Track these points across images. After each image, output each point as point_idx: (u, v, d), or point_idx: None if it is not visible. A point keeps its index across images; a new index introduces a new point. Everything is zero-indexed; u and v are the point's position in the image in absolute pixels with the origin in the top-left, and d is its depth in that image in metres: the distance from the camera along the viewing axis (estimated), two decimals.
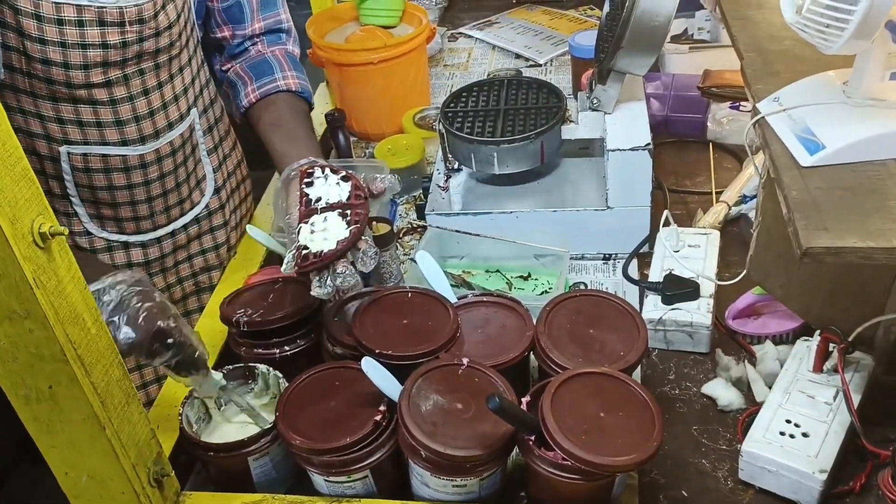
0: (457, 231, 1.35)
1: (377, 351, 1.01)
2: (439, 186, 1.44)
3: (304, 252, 1.03)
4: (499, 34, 2.14)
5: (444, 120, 1.40)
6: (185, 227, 1.40)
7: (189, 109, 1.33)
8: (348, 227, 1.05)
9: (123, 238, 1.33)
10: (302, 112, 1.40)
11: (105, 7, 1.14)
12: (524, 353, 1.04)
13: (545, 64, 1.99)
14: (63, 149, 1.22)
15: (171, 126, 1.30)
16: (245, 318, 1.11)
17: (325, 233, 1.05)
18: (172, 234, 1.39)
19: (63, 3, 1.12)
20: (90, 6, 1.13)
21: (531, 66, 1.99)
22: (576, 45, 1.74)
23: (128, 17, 1.16)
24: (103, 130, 1.23)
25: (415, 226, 1.50)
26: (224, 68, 1.44)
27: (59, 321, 0.77)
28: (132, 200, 1.31)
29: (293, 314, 1.12)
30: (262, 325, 1.11)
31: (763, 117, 0.99)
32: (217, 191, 1.45)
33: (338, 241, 1.03)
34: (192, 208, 1.41)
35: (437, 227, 1.36)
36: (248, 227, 1.29)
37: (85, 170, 1.24)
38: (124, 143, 1.25)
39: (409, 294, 1.13)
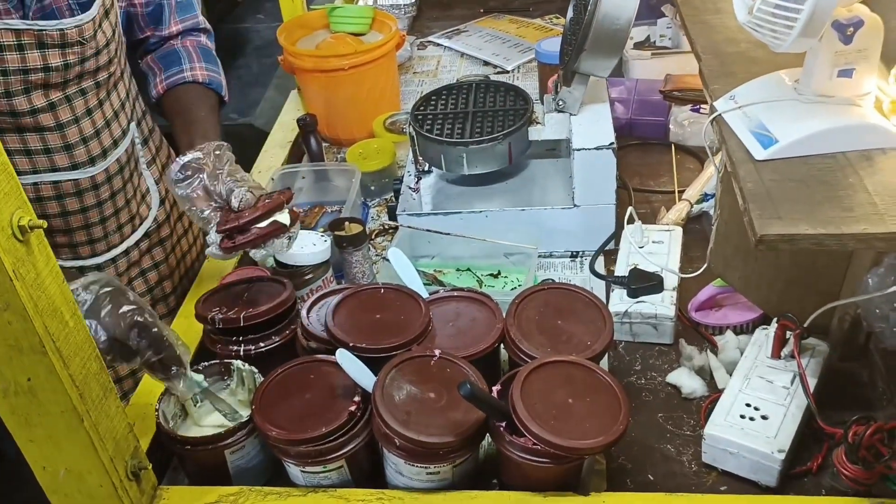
0: (428, 231, 1.38)
1: (351, 344, 1.03)
2: (410, 188, 1.47)
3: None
4: (467, 42, 2.18)
5: (415, 122, 1.44)
6: (136, 243, 1.41)
7: (129, 123, 1.34)
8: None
9: (79, 263, 1.33)
10: (207, 102, 1.40)
11: (45, 30, 1.14)
12: (494, 344, 1.07)
13: (513, 70, 2.03)
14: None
15: (116, 143, 1.30)
16: (220, 316, 1.13)
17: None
18: (126, 252, 1.39)
19: (1, 29, 1.11)
20: (29, 29, 1.12)
21: (499, 72, 2.03)
22: (542, 51, 1.78)
23: (69, 38, 1.16)
24: (52, 157, 1.22)
25: (387, 227, 1.53)
26: (140, 60, 1.45)
27: (38, 313, 0.79)
28: (86, 224, 1.31)
29: (267, 311, 1.14)
30: (236, 323, 1.12)
31: (720, 115, 1.03)
32: (162, 202, 1.45)
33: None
34: (141, 223, 1.41)
35: (409, 227, 1.39)
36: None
37: (37, 199, 1.23)
38: (74, 166, 1.25)
39: (382, 290, 1.15)
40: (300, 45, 1.80)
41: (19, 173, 1.17)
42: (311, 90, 1.78)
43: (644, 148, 1.69)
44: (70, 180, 1.25)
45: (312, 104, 1.80)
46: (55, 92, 1.19)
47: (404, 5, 2.32)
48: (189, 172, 1.18)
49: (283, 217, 1.18)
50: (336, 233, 1.35)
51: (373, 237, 1.52)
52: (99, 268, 1.35)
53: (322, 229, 1.45)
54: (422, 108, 1.48)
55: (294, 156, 1.77)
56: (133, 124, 1.35)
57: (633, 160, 1.65)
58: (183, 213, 1.52)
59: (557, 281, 1.37)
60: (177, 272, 1.51)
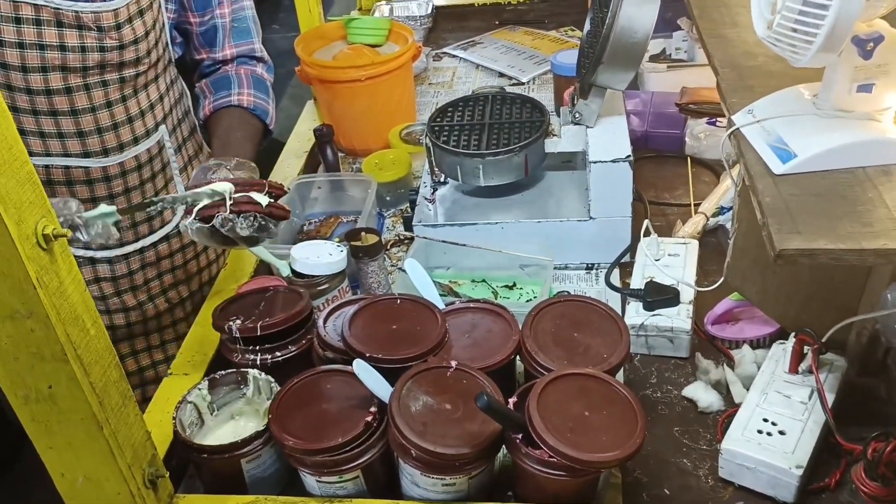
0: (443, 241, 1.38)
1: (368, 354, 1.04)
2: (426, 199, 1.48)
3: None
4: (482, 54, 2.19)
5: (431, 134, 1.44)
6: (154, 244, 1.42)
7: (157, 126, 1.35)
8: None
9: (89, 254, 1.34)
10: (247, 125, 1.43)
11: (61, 8, 1.17)
12: (510, 356, 1.07)
13: (528, 82, 2.03)
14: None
15: (136, 140, 1.32)
16: (237, 325, 1.14)
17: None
18: (141, 251, 1.40)
19: (21, 2, 1.14)
20: (46, 5, 1.16)
21: (514, 84, 2.04)
22: (557, 63, 1.78)
23: (84, 21, 1.19)
24: (65, 141, 1.24)
25: (402, 237, 1.53)
26: (195, 85, 1.49)
27: (61, 321, 0.80)
28: None
29: (284, 321, 1.14)
30: (253, 332, 1.13)
31: (738, 129, 1.03)
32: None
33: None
34: (162, 226, 1.42)
35: (424, 238, 1.40)
36: None
37: (47, 182, 1.25)
38: (87, 154, 1.27)
39: (399, 301, 1.16)
40: (317, 56, 1.81)
41: (32, 154, 1.20)
42: (328, 101, 1.79)
43: (660, 160, 1.69)
44: (80, 167, 1.27)
45: (329, 114, 1.82)
46: (74, 77, 1.21)
47: (420, 17, 2.33)
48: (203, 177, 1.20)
49: (260, 198, 1.18)
50: (352, 243, 1.35)
51: (388, 248, 1.53)
52: (110, 262, 1.37)
53: (338, 239, 1.46)
54: (438, 119, 1.48)
55: (310, 166, 1.78)
56: (164, 128, 1.37)
57: (648, 173, 1.65)
58: None
59: (573, 293, 1.37)
60: (196, 279, 1.52)
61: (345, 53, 1.78)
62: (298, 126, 1.91)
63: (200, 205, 1.14)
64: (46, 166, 1.25)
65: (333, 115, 1.79)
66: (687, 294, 1.25)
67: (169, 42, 1.36)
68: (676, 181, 1.62)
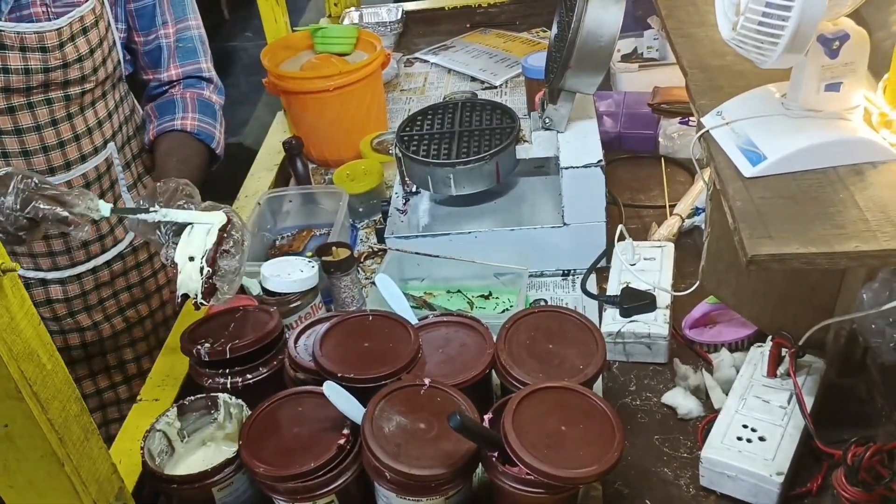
0: (416, 253, 1.36)
1: (339, 374, 1.01)
2: (398, 210, 1.46)
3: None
4: (454, 58, 2.17)
5: (401, 144, 1.42)
6: (107, 263, 1.39)
7: (105, 143, 1.33)
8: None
9: (41, 275, 1.31)
10: (188, 149, 1.38)
11: (3, 31, 1.15)
12: (485, 370, 1.05)
13: (500, 86, 2.02)
14: None
15: (83, 158, 1.29)
16: (206, 349, 1.11)
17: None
18: (94, 270, 1.37)
19: None
20: None
21: (487, 88, 2.02)
22: (528, 66, 1.76)
23: (28, 42, 1.17)
24: (10, 161, 1.22)
25: (375, 249, 1.51)
26: (144, 107, 1.45)
27: (13, 358, 0.77)
28: (46, 235, 1.28)
29: (254, 342, 1.12)
30: (222, 355, 1.10)
31: (707, 131, 1.02)
32: None
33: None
34: (114, 244, 1.39)
35: (397, 250, 1.37)
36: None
37: None
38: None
39: (371, 317, 1.13)
40: (284, 66, 1.78)
41: None
42: (297, 112, 1.77)
43: (634, 161, 1.68)
44: None
45: (298, 126, 1.79)
46: (17, 96, 1.19)
47: (390, 23, 2.31)
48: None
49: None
50: (324, 258, 1.33)
51: (362, 260, 1.51)
52: (62, 282, 1.33)
53: (309, 254, 1.44)
54: (407, 128, 1.46)
55: (281, 179, 1.76)
56: (112, 145, 1.34)
57: (623, 174, 1.63)
58: None
59: (549, 301, 1.36)
60: (155, 297, 1.49)
61: (312, 63, 1.75)
62: (268, 138, 1.88)
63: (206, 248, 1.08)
64: None
65: (303, 126, 1.76)
66: (664, 299, 1.23)
67: (121, 60, 1.33)
68: (651, 182, 1.61)
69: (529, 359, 1.04)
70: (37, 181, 1.01)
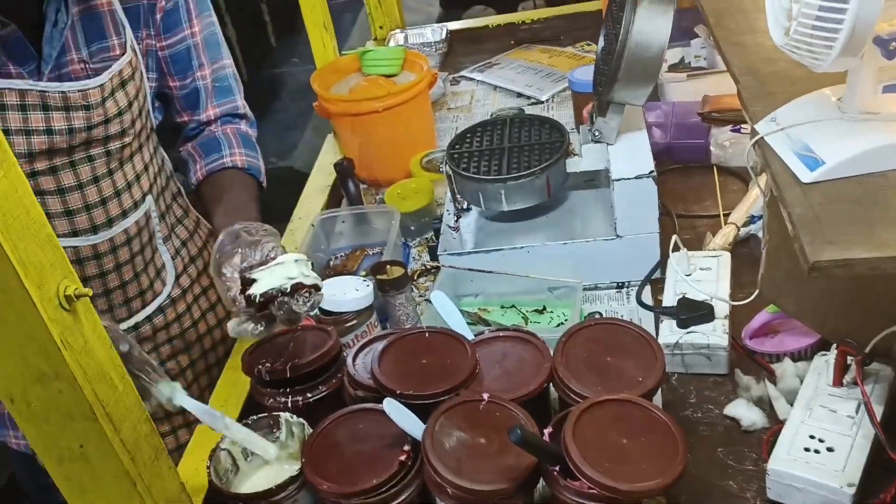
0: (470, 270, 1.37)
1: (398, 391, 1.02)
2: (450, 227, 1.47)
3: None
4: (500, 75, 2.18)
5: (451, 161, 1.43)
6: (148, 318, 1.38)
7: (144, 196, 1.32)
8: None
9: None
10: (246, 186, 1.40)
11: (47, 91, 1.15)
12: (543, 384, 1.05)
13: (547, 101, 2.02)
14: None
15: (125, 214, 1.28)
16: (266, 368, 1.13)
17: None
18: (136, 327, 1.36)
19: (4, 89, 1.12)
20: (31, 90, 1.14)
21: (533, 103, 2.03)
22: (575, 80, 1.77)
23: (72, 101, 1.17)
24: (52, 222, 1.17)
25: (428, 267, 1.52)
26: (180, 149, 1.46)
27: (88, 380, 0.80)
28: (93, 294, 1.28)
29: (314, 361, 1.13)
30: (283, 374, 1.12)
31: (762, 138, 1.01)
32: (177, 278, 1.43)
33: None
34: (154, 299, 1.38)
35: (451, 268, 1.38)
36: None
37: None
38: (75, 233, 1.23)
39: (427, 334, 1.14)
40: (334, 89, 1.82)
41: None
42: (347, 134, 1.80)
43: (685, 172, 1.66)
44: (70, 247, 1.22)
45: (348, 147, 1.82)
46: (60, 157, 1.19)
47: (435, 42, 2.34)
48: (230, 247, 1.13)
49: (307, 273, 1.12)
50: (378, 277, 1.35)
51: (415, 278, 1.52)
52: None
53: (364, 273, 1.46)
54: (457, 146, 1.47)
55: (334, 199, 1.79)
56: (150, 197, 1.34)
57: (674, 185, 1.62)
58: (205, 292, 1.50)
59: (604, 314, 1.35)
60: (196, 347, 1.48)
61: (361, 86, 1.78)
62: (320, 160, 1.91)
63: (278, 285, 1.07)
64: None
65: (353, 147, 1.79)
66: (722, 309, 1.22)
67: (150, 110, 1.34)
68: (704, 192, 1.59)
69: (587, 372, 1.04)
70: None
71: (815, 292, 1.12)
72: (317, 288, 1.10)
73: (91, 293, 0.79)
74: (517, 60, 2.25)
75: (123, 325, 1.35)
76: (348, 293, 1.30)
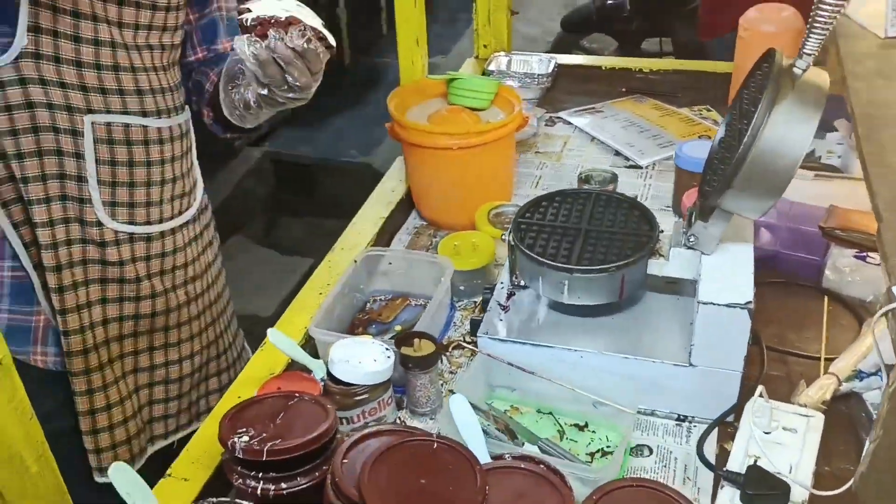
0: (509, 364, 1.17)
1: None
2: (499, 304, 1.27)
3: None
4: (601, 125, 1.96)
5: (516, 232, 1.23)
6: (184, 225, 1.33)
7: (184, 105, 1.31)
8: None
9: (131, 229, 1.23)
10: None
11: None
12: None
13: (646, 167, 1.79)
14: (87, 118, 1.15)
15: (177, 110, 1.27)
16: (242, 444, 0.96)
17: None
18: (172, 231, 1.30)
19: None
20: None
21: (630, 166, 1.80)
22: (683, 155, 1.55)
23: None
24: (125, 98, 1.18)
25: (466, 343, 1.33)
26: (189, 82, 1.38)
27: None
28: (148, 181, 1.23)
29: (298, 447, 0.96)
30: (258, 455, 0.95)
31: None
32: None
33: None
34: (188, 208, 1.34)
35: (488, 355, 1.19)
36: (270, 332, 1.16)
37: (108, 141, 1.18)
38: (144, 114, 1.21)
39: (436, 444, 0.95)
40: (412, 112, 1.64)
41: (93, 111, 1.15)
42: (415, 163, 1.62)
43: (789, 290, 1.42)
44: (139, 126, 1.21)
45: (415, 178, 1.64)
46: (153, 35, 1.20)
47: (539, 75, 2.13)
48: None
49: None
50: (403, 349, 1.17)
51: (450, 350, 1.33)
52: (148, 240, 1.26)
53: (397, 330, 1.29)
54: (528, 214, 1.27)
55: (384, 234, 1.61)
56: (188, 108, 1.32)
57: (772, 303, 1.37)
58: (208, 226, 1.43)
59: (655, 450, 1.13)
60: (205, 278, 1.41)
61: (441, 115, 1.60)
62: (381, 186, 1.74)
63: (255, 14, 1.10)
64: (108, 123, 1.17)
65: (419, 179, 1.61)
66: (799, 492, 0.98)
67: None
68: (807, 320, 1.34)
69: None
70: None
71: None
72: (317, 32, 1.12)
73: (6, 361, 0.63)
74: (624, 111, 2.02)
75: (165, 226, 1.29)
76: (364, 362, 1.13)
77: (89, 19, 1.11)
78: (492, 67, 2.18)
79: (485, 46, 2.24)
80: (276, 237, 3.57)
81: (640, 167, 1.79)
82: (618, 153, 1.85)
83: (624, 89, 2.13)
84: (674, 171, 1.61)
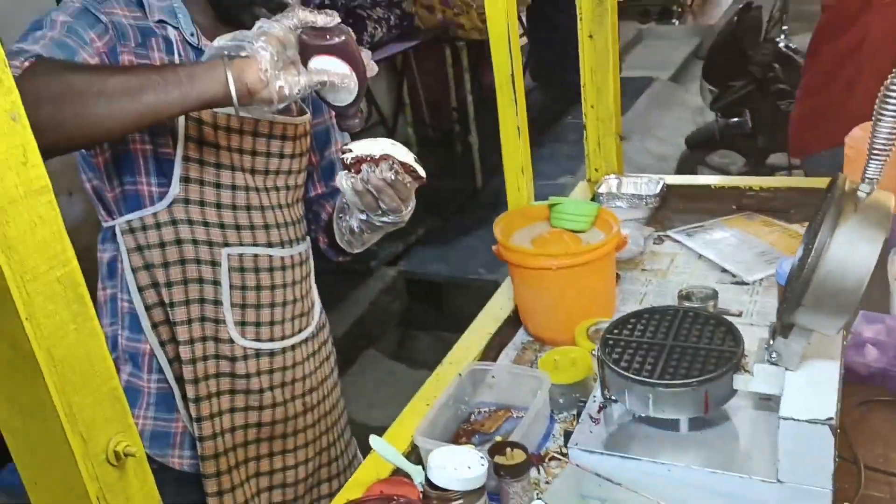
0: (597, 475, 1.22)
1: None
2: (591, 417, 1.33)
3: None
4: (709, 243, 2.00)
5: (604, 347, 1.30)
6: (303, 342, 1.47)
7: (306, 235, 1.49)
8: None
9: (257, 346, 1.39)
10: None
11: (275, 121, 1.35)
12: None
13: (753, 283, 1.81)
14: (224, 250, 1.34)
15: (299, 240, 1.45)
16: None
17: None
18: (293, 347, 1.44)
19: (246, 118, 1.31)
20: (248, 118, 1.32)
21: (737, 282, 1.83)
22: (783, 272, 1.57)
23: (275, 131, 1.35)
24: (255, 232, 1.36)
25: (562, 452, 1.38)
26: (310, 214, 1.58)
27: None
28: (272, 302, 1.39)
29: None
30: None
31: None
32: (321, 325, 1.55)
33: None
34: (307, 326, 1.48)
35: (578, 466, 1.24)
36: (373, 439, 1.26)
37: (240, 269, 1.36)
38: (270, 245, 1.38)
39: None
40: (517, 235, 1.76)
41: (229, 244, 1.34)
42: (519, 283, 1.73)
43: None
44: (266, 255, 1.38)
45: (521, 296, 1.75)
46: (279, 178, 1.40)
47: (647, 196, 2.21)
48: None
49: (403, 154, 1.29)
50: (496, 458, 1.24)
51: (546, 460, 1.38)
52: (271, 354, 1.41)
53: (495, 442, 1.36)
54: (616, 331, 1.34)
55: (492, 349, 1.71)
56: (308, 238, 1.51)
57: (877, 422, 1.35)
58: (326, 343, 1.57)
59: None
60: (321, 389, 1.54)
61: (543, 238, 1.71)
62: (490, 304, 1.85)
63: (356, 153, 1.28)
64: (240, 255, 1.36)
65: (523, 298, 1.72)
66: None
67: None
68: None
69: None
70: None
71: None
72: (406, 166, 1.28)
73: (139, 454, 0.78)
74: (733, 229, 2.06)
75: (287, 342, 1.44)
76: (459, 469, 1.21)
77: (228, 169, 1.32)
78: (602, 189, 2.29)
79: (596, 170, 2.36)
80: (407, 350, 3.74)
81: (747, 283, 1.81)
82: (724, 270, 1.88)
83: (734, 207, 2.17)
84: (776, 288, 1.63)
